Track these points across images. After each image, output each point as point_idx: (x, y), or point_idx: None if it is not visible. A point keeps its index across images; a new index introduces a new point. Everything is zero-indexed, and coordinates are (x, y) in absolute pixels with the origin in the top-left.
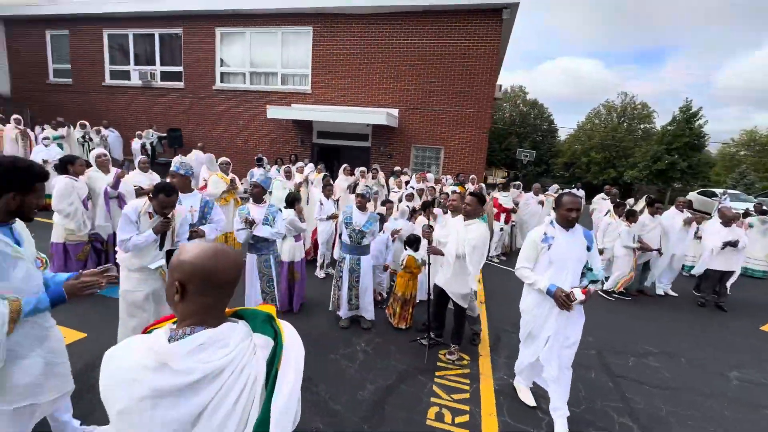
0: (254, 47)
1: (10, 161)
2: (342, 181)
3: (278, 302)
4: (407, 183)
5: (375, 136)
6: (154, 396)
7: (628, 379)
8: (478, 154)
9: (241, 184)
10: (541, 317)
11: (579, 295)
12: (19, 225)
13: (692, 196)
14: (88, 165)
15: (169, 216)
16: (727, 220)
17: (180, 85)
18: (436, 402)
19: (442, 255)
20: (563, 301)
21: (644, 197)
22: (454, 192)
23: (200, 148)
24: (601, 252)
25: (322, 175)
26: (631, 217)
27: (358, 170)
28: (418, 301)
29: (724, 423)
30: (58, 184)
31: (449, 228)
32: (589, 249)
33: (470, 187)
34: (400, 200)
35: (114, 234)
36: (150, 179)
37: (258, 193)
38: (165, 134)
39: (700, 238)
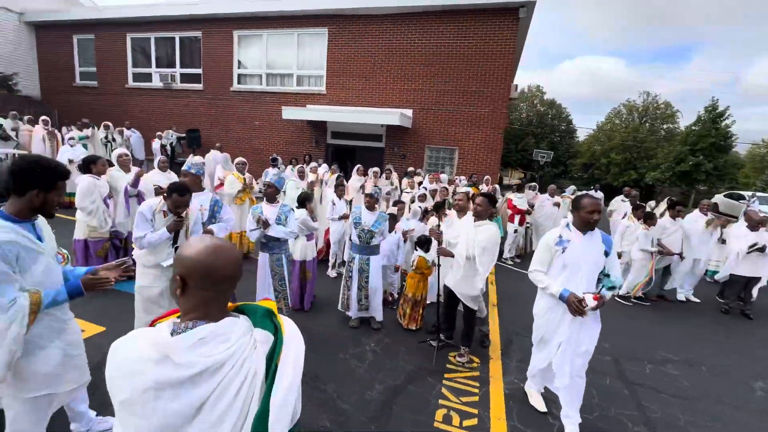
0: (271, 49)
1: (35, 160)
2: (355, 182)
3: (290, 301)
4: (420, 184)
5: (389, 137)
6: (156, 388)
7: (645, 386)
8: (492, 154)
9: (257, 183)
10: (553, 322)
11: (591, 302)
12: (41, 221)
13: (718, 198)
14: (111, 164)
15: (183, 215)
16: (755, 223)
17: (199, 86)
18: (444, 404)
19: (452, 256)
20: (576, 306)
21: (666, 199)
22: (454, 191)
23: (218, 148)
24: (619, 255)
25: (336, 175)
26: (649, 219)
27: (371, 171)
28: (428, 302)
29: None
30: (81, 183)
31: (459, 229)
32: (607, 254)
33: (484, 188)
34: (412, 201)
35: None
36: (168, 178)
37: (271, 193)
38: (184, 135)
39: (724, 241)
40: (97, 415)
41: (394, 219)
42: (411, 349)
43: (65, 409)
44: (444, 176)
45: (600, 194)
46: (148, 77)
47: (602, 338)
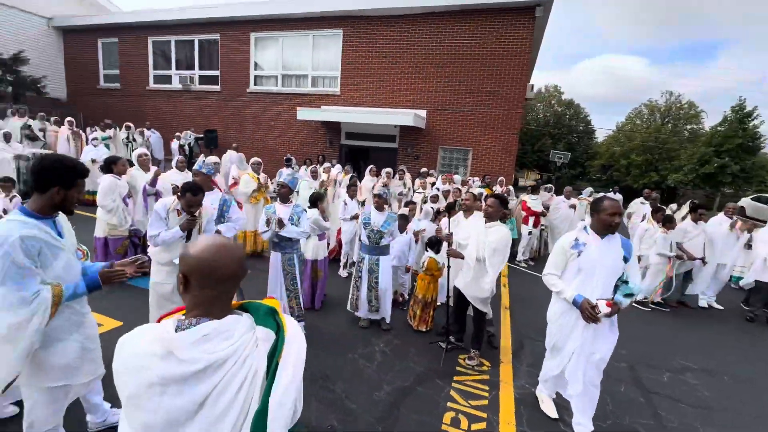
0: (286, 51)
1: (57, 159)
2: (368, 182)
3: (302, 300)
4: (433, 184)
5: (402, 138)
6: (161, 383)
7: (662, 395)
8: (507, 155)
9: (271, 183)
10: (566, 328)
11: (603, 308)
12: (61, 218)
13: (745, 202)
14: (131, 164)
15: (196, 214)
16: None
17: (216, 88)
18: (452, 407)
19: (462, 258)
20: (589, 313)
21: (688, 202)
22: (467, 192)
23: (234, 148)
24: (638, 259)
25: (349, 176)
26: (668, 223)
27: (384, 171)
28: (439, 303)
29: None
30: (102, 182)
31: (469, 230)
32: (626, 260)
33: (498, 189)
34: (424, 201)
35: None
36: (185, 178)
37: (285, 193)
38: (202, 135)
39: (750, 246)
40: (111, 407)
41: (405, 220)
42: (420, 351)
43: (81, 400)
44: (457, 177)
45: (618, 196)
46: (168, 79)
47: (618, 344)
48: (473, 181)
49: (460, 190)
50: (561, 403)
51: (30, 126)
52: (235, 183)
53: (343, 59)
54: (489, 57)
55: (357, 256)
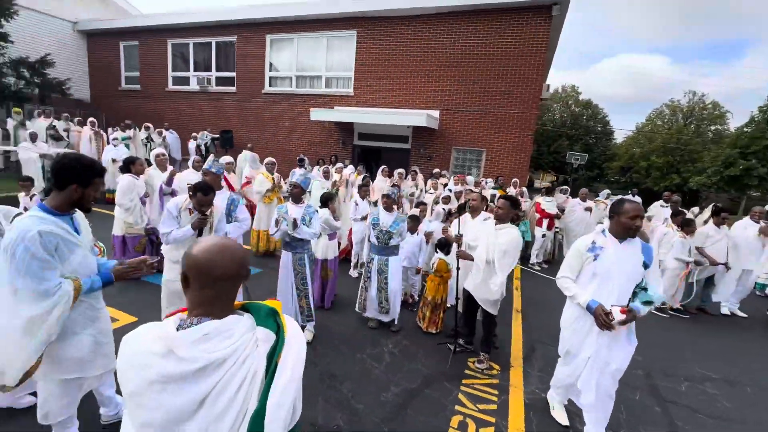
0: (301, 52)
1: (75, 158)
2: (380, 183)
3: (311, 299)
4: (445, 185)
5: (415, 138)
6: (161, 381)
7: (679, 405)
8: (521, 157)
9: (285, 183)
10: (580, 334)
11: (617, 315)
12: (78, 215)
13: None
14: (150, 164)
15: (207, 213)
16: None
17: (232, 89)
18: (460, 410)
19: (472, 260)
20: (602, 320)
21: (710, 206)
22: (470, 191)
23: (249, 148)
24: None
25: (362, 176)
26: (686, 227)
27: (396, 172)
28: (448, 305)
29: None
30: (121, 182)
31: (479, 232)
32: (646, 266)
33: (512, 190)
34: (435, 202)
35: None
36: (201, 178)
37: (297, 193)
38: (218, 135)
39: None
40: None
41: (416, 220)
42: (429, 353)
43: (94, 393)
44: (470, 178)
45: (637, 199)
46: (186, 81)
47: (635, 350)
48: (486, 183)
49: (472, 192)
50: (573, 410)
51: (55, 126)
52: (248, 182)
53: (356, 60)
54: (503, 57)
55: (366, 256)
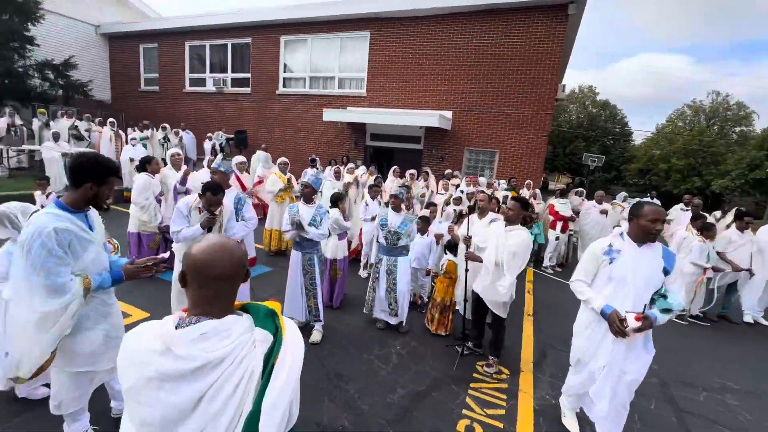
0: (314, 53)
1: (91, 157)
2: (391, 183)
3: (320, 298)
4: (457, 186)
5: (428, 139)
6: (159, 379)
7: (697, 415)
8: (535, 158)
9: (297, 183)
10: (593, 341)
11: (632, 322)
12: (93, 212)
13: None
14: (166, 163)
15: (216, 213)
16: None
17: (247, 90)
18: (467, 414)
19: (481, 261)
20: (617, 326)
21: (733, 210)
22: (482, 192)
23: (263, 149)
24: None
25: (374, 177)
26: (706, 231)
27: (408, 173)
28: (458, 307)
29: None
30: (138, 181)
31: (488, 233)
32: (666, 272)
33: (525, 192)
34: (446, 203)
35: None
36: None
37: (308, 193)
38: (232, 136)
39: None
40: None
41: (426, 221)
42: (437, 355)
43: (106, 386)
44: (483, 179)
45: (656, 202)
46: (202, 82)
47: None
48: (498, 184)
49: (488, 194)
50: (585, 418)
51: (77, 126)
52: (260, 181)
53: (369, 61)
54: (518, 57)
55: (375, 257)
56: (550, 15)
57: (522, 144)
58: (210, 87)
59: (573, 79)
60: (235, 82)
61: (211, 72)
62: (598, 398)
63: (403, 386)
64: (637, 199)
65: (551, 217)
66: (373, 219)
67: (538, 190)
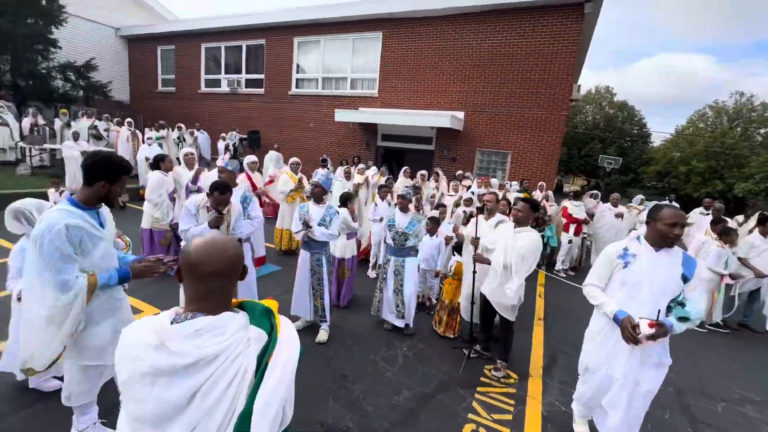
0: (327, 54)
1: (105, 156)
2: (402, 184)
3: (326, 299)
4: (468, 188)
5: (439, 140)
6: (153, 374)
7: (714, 427)
8: (549, 160)
9: (308, 183)
10: (604, 349)
11: (645, 329)
12: (104, 210)
13: None
14: (180, 162)
15: (224, 212)
16: None
17: (261, 91)
18: (473, 419)
19: (489, 263)
20: (629, 333)
21: (756, 214)
22: (492, 193)
23: (276, 149)
24: None
25: (385, 178)
26: (725, 236)
27: (419, 174)
28: (462, 313)
29: None
30: (151, 178)
31: (496, 234)
32: (685, 279)
33: (538, 194)
34: (456, 205)
35: None
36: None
37: (318, 193)
38: (245, 136)
39: None
40: None
41: (436, 222)
42: (444, 357)
43: (115, 381)
44: (494, 181)
45: (675, 205)
46: (217, 83)
47: None
48: (510, 186)
49: (496, 194)
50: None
51: (96, 126)
52: (271, 181)
53: (381, 61)
54: (532, 57)
55: (383, 258)
56: (565, 14)
57: (535, 145)
58: (224, 88)
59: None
60: (249, 83)
61: (225, 73)
62: (612, 409)
63: (408, 388)
64: (655, 202)
65: (564, 220)
66: (381, 220)
67: (550, 192)
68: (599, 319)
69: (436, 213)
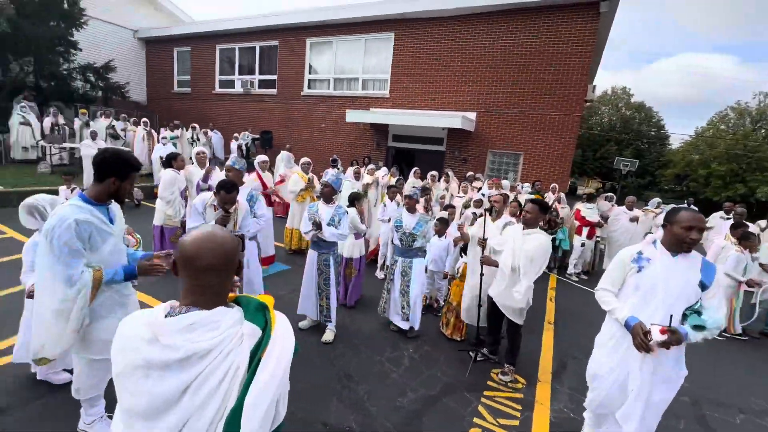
0: (339, 55)
1: (115, 153)
2: (411, 185)
3: (332, 299)
4: (479, 189)
5: (450, 140)
6: (145, 367)
7: None
8: (562, 161)
9: (318, 183)
10: (614, 355)
11: (656, 335)
12: (114, 206)
13: None
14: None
15: (230, 210)
16: None
17: (273, 91)
18: (479, 423)
19: (496, 266)
20: (640, 340)
21: None
22: (501, 194)
23: (288, 149)
24: None
25: (396, 178)
26: (745, 240)
27: (429, 174)
28: (464, 317)
29: None
30: (164, 176)
31: (504, 236)
32: (703, 287)
33: (550, 196)
34: (465, 206)
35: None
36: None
37: (328, 193)
38: (258, 136)
39: None
40: None
41: (445, 223)
42: (450, 360)
43: None
44: (506, 182)
45: (694, 209)
46: (231, 84)
47: None
48: (522, 187)
49: (507, 195)
50: None
51: (113, 126)
52: (282, 180)
53: (393, 62)
54: (546, 57)
55: (390, 259)
56: (580, 13)
57: (548, 147)
58: (238, 88)
59: (605, 80)
60: (262, 84)
61: (239, 74)
62: (625, 421)
63: (413, 390)
64: (672, 206)
65: (577, 223)
66: (389, 220)
67: (563, 194)
68: (611, 324)
69: (445, 214)
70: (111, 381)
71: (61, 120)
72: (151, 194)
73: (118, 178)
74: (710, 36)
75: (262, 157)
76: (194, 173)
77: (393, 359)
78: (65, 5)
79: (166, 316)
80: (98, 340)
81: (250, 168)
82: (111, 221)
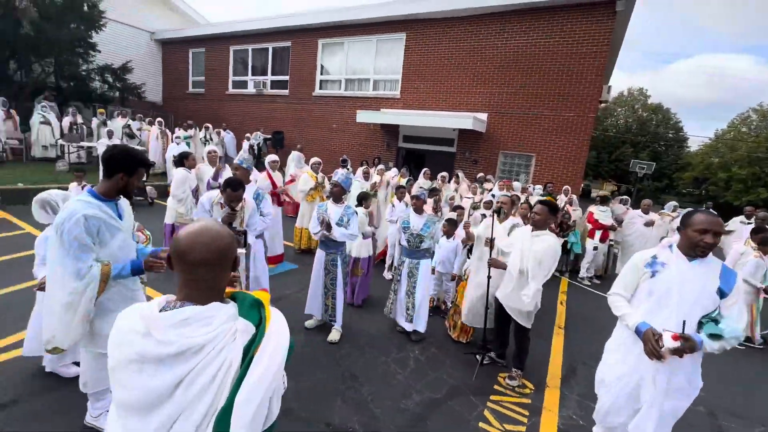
0: (351, 56)
1: (123, 149)
2: (420, 185)
3: (339, 300)
4: (489, 191)
5: (461, 141)
6: (139, 361)
7: None
8: (575, 163)
9: (328, 183)
10: (625, 362)
11: (668, 342)
12: (123, 202)
13: None
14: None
15: (236, 208)
16: None
17: (285, 92)
18: (484, 428)
19: (504, 268)
20: (651, 346)
21: None
22: (509, 196)
23: (299, 149)
24: None
25: (406, 179)
26: (764, 246)
27: (439, 176)
28: (463, 320)
29: None
30: (176, 175)
31: (513, 238)
32: (722, 294)
33: (562, 198)
34: (474, 207)
35: None
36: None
37: (337, 193)
38: (270, 136)
39: None
40: None
41: (453, 224)
42: (457, 363)
43: None
44: (517, 184)
45: (713, 213)
46: (244, 84)
47: None
48: (533, 189)
49: (518, 197)
50: None
51: (129, 125)
52: (292, 180)
53: (404, 63)
54: (559, 57)
55: (397, 260)
56: (595, 12)
57: (561, 148)
58: (251, 89)
59: (622, 82)
60: (275, 84)
61: (252, 75)
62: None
63: (418, 392)
64: (689, 209)
65: (590, 226)
66: (397, 221)
67: (575, 197)
68: (622, 330)
69: (453, 215)
70: None
71: (79, 119)
72: (165, 193)
73: (126, 174)
74: (731, 36)
75: (272, 157)
76: (205, 172)
77: (399, 360)
78: (85, 8)
79: (161, 311)
80: (104, 334)
81: (261, 167)
82: (120, 217)
